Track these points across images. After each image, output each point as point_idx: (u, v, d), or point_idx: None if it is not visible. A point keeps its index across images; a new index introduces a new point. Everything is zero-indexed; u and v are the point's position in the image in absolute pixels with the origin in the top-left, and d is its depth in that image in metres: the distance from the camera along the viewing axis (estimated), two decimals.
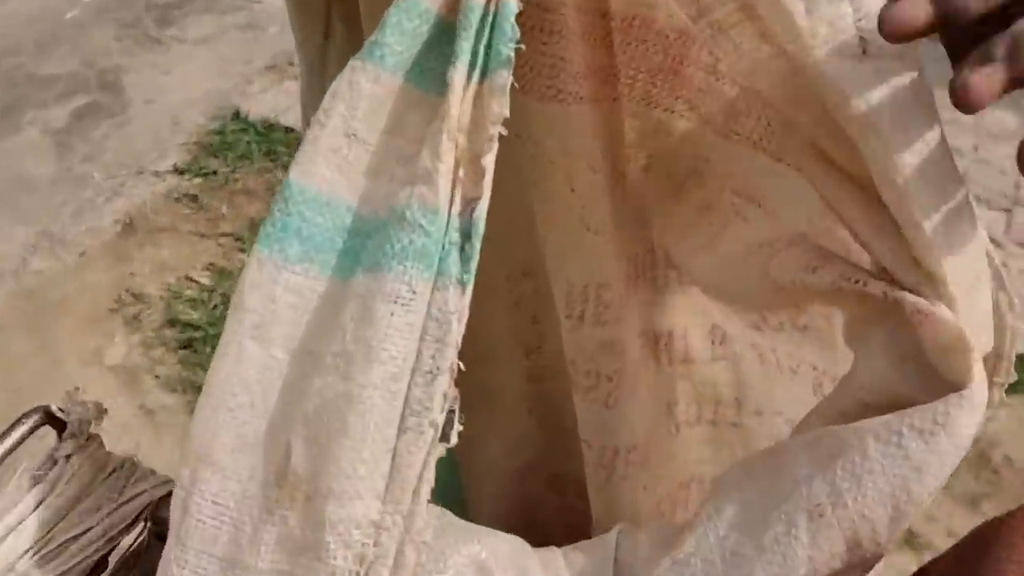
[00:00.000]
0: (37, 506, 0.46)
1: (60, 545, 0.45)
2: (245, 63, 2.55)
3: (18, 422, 0.47)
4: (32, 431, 0.47)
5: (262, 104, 2.37)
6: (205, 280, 1.88)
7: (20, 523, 0.45)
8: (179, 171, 2.15)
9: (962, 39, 0.32)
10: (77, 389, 0.47)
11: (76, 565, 0.45)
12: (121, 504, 0.48)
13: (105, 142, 2.26)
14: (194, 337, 1.75)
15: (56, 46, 2.65)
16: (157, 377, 1.69)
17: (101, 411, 0.49)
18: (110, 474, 0.51)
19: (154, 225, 2.01)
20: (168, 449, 1.55)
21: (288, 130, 2.25)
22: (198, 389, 1.63)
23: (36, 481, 0.47)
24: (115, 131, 2.30)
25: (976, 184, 2.22)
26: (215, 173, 2.13)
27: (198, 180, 2.12)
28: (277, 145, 2.21)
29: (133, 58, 2.58)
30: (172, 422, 1.61)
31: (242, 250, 1.94)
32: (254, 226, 2.00)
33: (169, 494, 0.52)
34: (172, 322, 1.78)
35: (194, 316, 1.79)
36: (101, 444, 0.51)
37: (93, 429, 0.51)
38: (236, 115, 2.31)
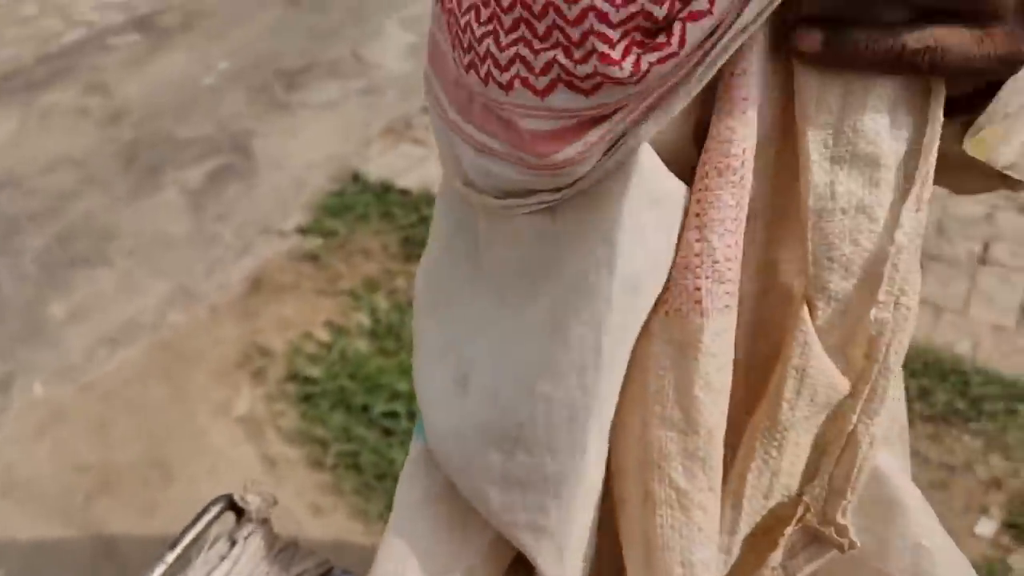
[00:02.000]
0: None
1: None
2: (364, 126, 2.69)
3: (205, 510, 0.53)
4: (217, 517, 0.53)
5: (380, 166, 2.49)
6: (324, 336, 1.98)
7: None
8: (302, 231, 2.28)
9: None
10: (253, 482, 0.53)
11: None
12: None
13: (235, 202, 2.42)
14: (313, 392, 1.84)
15: (193, 111, 2.86)
16: (279, 428, 1.78)
17: (273, 501, 0.55)
18: (279, 552, 0.57)
19: (278, 283, 2.13)
20: (288, 498, 1.63)
21: (403, 192, 2.36)
22: (315, 440, 1.72)
23: (221, 558, 0.53)
24: (245, 192, 2.46)
25: None
26: (335, 233, 2.25)
27: (319, 240, 2.24)
28: (393, 207, 2.31)
29: (262, 122, 2.76)
30: (291, 473, 1.69)
31: (358, 308, 2.03)
32: (370, 284, 2.10)
33: (328, 572, 0.57)
34: (293, 376, 1.88)
35: (314, 371, 1.88)
36: (271, 527, 0.57)
37: (265, 514, 0.56)
38: (355, 177, 2.44)
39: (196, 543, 0.52)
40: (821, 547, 0.48)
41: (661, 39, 0.35)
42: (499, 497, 0.44)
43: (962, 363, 1.79)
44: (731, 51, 0.36)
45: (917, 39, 0.37)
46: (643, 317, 0.42)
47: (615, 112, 0.38)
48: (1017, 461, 1.62)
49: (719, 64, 0.37)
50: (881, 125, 0.39)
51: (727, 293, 0.41)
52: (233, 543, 0.54)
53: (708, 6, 0.35)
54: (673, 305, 0.42)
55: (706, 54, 0.36)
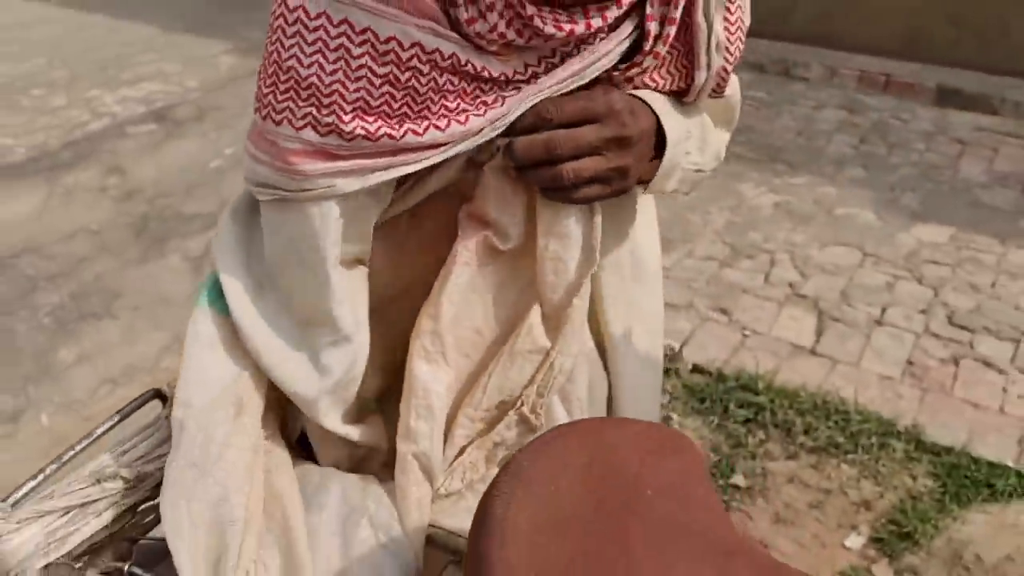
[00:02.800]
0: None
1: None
2: None
3: (140, 397, 0.81)
4: (147, 402, 0.81)
5: None
6: None
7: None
8: None
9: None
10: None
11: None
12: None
13: None
14: None
15: (200, 189, 3.23)
16: None
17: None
18: None
19: None
20: None
21: None
22: None
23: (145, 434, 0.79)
24: None
25: (988, 317, 2.41)
26: None
27: None
28: None
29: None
30: None
31: None
32: None
33: None
34: None
35: None
36: None
37: None
38: None
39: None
40: (526, 427, 0.77)
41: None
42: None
43: (846, 404, 2.06)
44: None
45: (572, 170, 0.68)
46: None
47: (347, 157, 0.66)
48: (885, 487, 1.87)
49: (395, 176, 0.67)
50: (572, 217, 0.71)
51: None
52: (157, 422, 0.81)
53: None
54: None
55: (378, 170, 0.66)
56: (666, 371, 2.17)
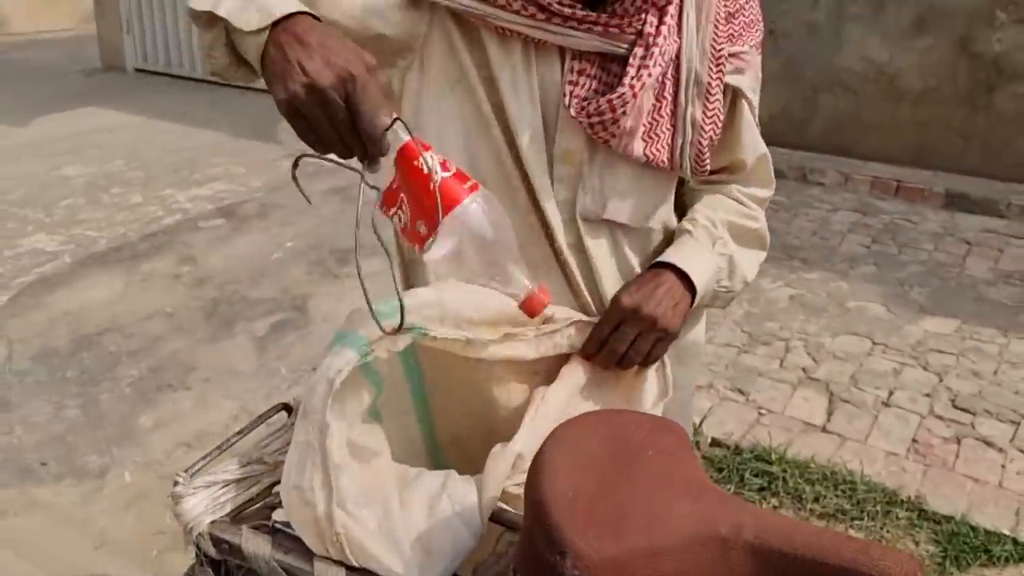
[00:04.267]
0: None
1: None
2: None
3: (273, 408, 1.07)
4: (277, 412, 1.07)
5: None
6: None
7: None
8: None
9: None
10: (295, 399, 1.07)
11: None
12: None
13: (292, 347, 3.03)
14: None
15: (263, 278, 3.56)
16: None
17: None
18: None
19: None
20: None
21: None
22: None
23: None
24: (300, 340, 3.08)
25: (990, 400, 2.59)
26: None
27: None
28: None
29: (317, 288, 3.43)
30: None
31: None
32: None
33: None
34: None
35: None
36: None
37: None
38: None
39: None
40: None
41: None
42: None
43: (853, 476, 2.24)
44: None
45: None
46: None
47: None
48: None
49: None
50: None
51: None
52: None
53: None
54: None
55: None
56: None
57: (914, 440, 2.42)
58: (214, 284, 3.53)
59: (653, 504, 0.71)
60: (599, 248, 1.04)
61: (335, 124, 0.73)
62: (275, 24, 0.77)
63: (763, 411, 2.56)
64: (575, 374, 0.97)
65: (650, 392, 0.98)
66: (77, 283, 3.57)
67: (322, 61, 0.73)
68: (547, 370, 0.98)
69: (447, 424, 1.03)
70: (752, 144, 1.08)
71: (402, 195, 0.80)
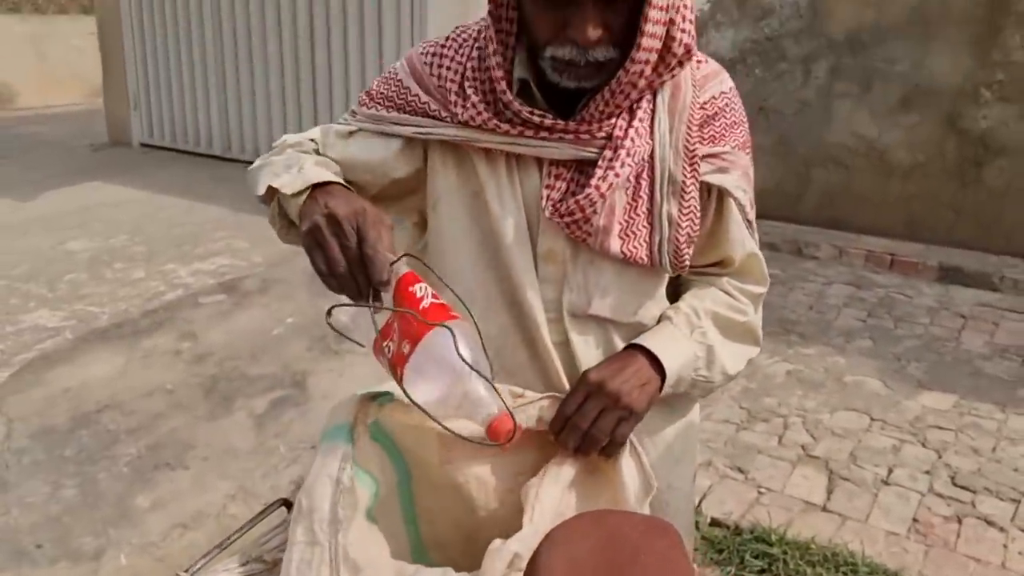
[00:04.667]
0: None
1: None
2: None
3: (273, 504, 1.08)
4: (276, 509, 1.08)
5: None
6: None
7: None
8: None
9: None
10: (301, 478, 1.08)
11: None
12: None
13: (291, 424, 3.03)
14: None
15: (263, 354, 3.58)
16: None
17: None
18: None
19: None
20: None
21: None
22: None
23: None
24: (299, 417, 3.08)
25: (990, 478, 2.59)
26: None
27: None
28: None
29: (317, 364, 3.45)
30: None
31: None
32: None
33: None
34: None
35: None
36: None
37: None
38: None
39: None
40: None
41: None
42: None
43: (855, 557, 2.23)
44: None
45: None
46: None
47: None
48: None
49: None
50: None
51: None
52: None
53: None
54: None
55: None
56: None
57: (915, 519, 2.41)
58: (214, 360, 3.55)
59: None
60: (586, 344, 1.07)
61: (345, 250, 0.86)
62: (314, 189, 0.96)
63: (763, 490, 2.55)
64: (563, 469, 0.98)
65: (632, 487, 0.98)
66: (78, 359, 3.58)
67: (343, 202, 0.90)
68: (530, 469, 1.00)
69: (431, 528, 1.04)
70: (740, 240, 1.12)
71: (395, 325, 0.87)
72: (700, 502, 2.47)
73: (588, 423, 0.97)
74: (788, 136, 5.14)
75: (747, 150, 1.10)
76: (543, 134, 0.99)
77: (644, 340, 1.05)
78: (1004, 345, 3.59)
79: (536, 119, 0.98)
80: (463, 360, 0.83)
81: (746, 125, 1.11)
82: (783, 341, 3.62)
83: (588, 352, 1.07)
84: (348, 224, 0.87)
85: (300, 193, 0.97)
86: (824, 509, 2.46)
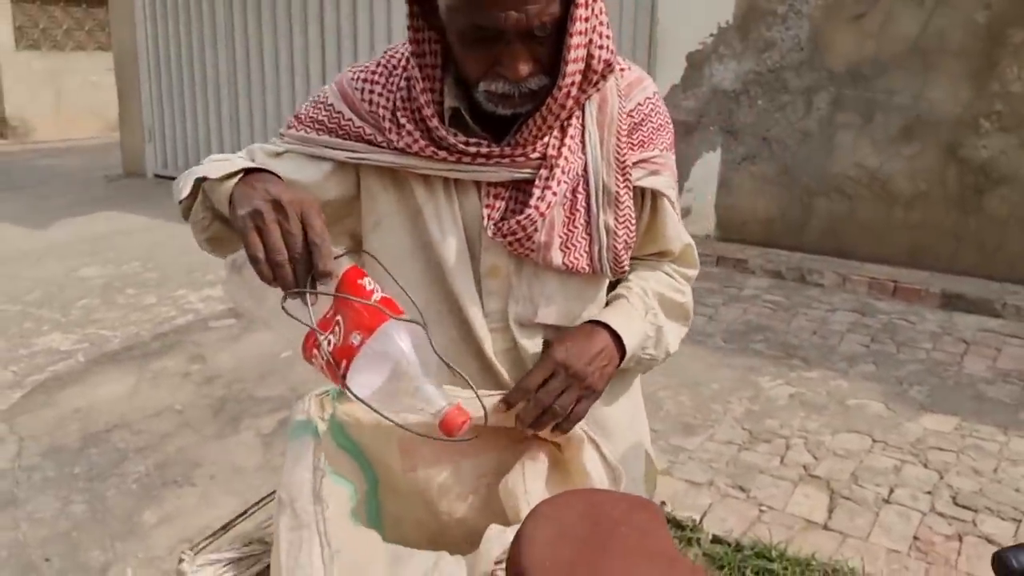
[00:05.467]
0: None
1: None
2: None
3: (271, 494, 1.12)
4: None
5: None
6: None
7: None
8: None
9: None
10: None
11: None
12: None
13: None
14: None
15: (271, 376, 3.63)
16: None
17: None
18: None
19: None
20: None
21: None
22: None
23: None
24: None
25: (991, 498, 2.59)
26: None
27: None
28: None
29: (324, 386, 3.48)
30: None
31: None
32: None
33: None
34: None
35: None
36: None
37: None
38: None
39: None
40: None
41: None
42: None
43: (855, 573, 2.23)
44: None
45: None
46: None
47: None
48: None
49: None
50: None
51: None
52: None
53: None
54: None
55: None
56: (688, 540, 2.38)
57: (916, 537, 2.42)
58: (223, 382, 3.60)
59: (627, 574, 0.76)
60: (535, 346, 1.11)
61: (288, 235, 0.84)
62: (246, 174, 0.94)
63: (764, 508, 2.56)
64: (536, 465, 1.00)
65: (597, 478, 1.00)
66: (89, 381, 3.64)
67: (285, 189, 0.89)
68: (492, 471, 1.02)
69: (396, 531, 1.06)
70: (676, 235, 1.19)
71: (338, 317, 0.84)
72: (701, 519, 2.48)
73: (552, 400, 0.99)
74: (791, 166, 5.20)
75: (672, 150, 1.16)
76: (480, 160, 1.01)
77: (607, 318, 1.08)
78: (1006, 370, 3.60)
79: (472, 149, 1.01)
80: (413, 354, 0.82)
81: (671, 126, 1.16)
82: (786, 365, 3.64)
83: (536, 353, 1.11)
84: (292, 210, 0.84)
85: (230, 177, 0.94)
86: (825, 527, 2.47)
